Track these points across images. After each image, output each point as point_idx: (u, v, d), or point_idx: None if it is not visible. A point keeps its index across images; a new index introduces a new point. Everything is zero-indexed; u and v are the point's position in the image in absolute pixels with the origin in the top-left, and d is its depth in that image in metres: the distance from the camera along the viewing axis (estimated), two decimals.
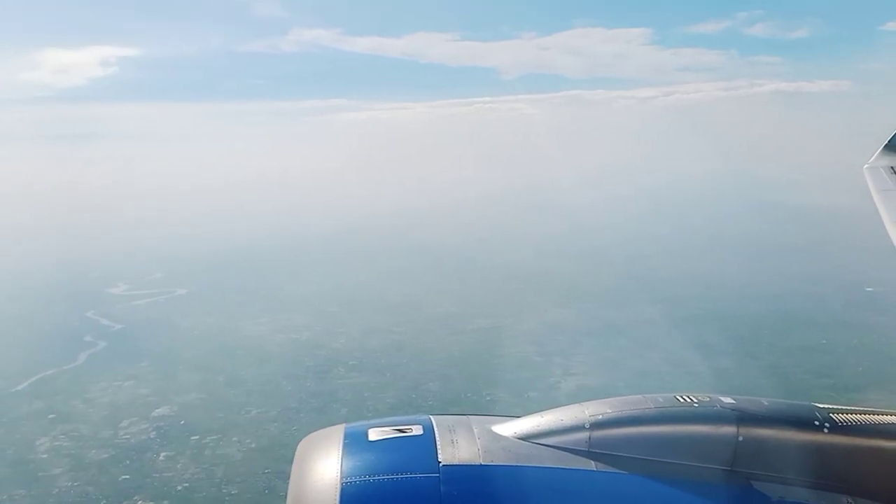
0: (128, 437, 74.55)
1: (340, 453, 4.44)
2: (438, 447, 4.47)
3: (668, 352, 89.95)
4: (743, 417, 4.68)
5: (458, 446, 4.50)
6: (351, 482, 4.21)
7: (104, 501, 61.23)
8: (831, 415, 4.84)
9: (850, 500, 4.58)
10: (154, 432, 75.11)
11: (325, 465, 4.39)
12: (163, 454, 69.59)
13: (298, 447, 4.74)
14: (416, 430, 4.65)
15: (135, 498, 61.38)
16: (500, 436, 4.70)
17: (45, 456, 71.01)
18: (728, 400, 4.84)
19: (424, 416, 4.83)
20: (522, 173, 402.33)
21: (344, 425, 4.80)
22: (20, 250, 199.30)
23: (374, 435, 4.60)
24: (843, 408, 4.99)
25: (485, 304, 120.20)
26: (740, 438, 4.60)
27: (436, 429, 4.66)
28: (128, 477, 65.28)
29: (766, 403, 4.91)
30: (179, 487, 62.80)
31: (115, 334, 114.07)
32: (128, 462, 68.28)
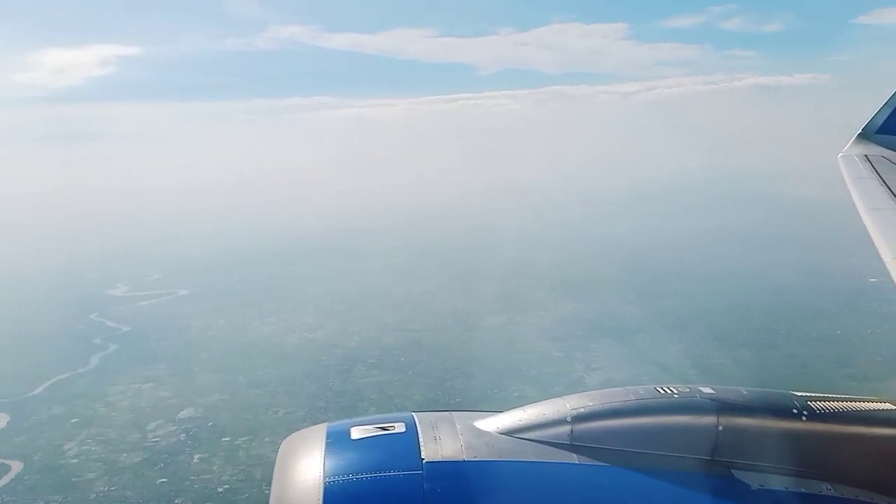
0: (157, 439, 74.00)
1: (323, 452, 4.42)
2: (421, 444, 4.47)
3: (687, 344, 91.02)
4: (722, 407, 4.73)
5: (440, 443, 4.50)
6: (334, 481, 4.21)
7: None
8: (809, 402, 4.92)
9: (829, 487, 4.65)
10: (183, 434, 74.65)
11: (308, 464, 4.37)
12: (196, 456, 69.19)
13: (281, 447, 4.71)
14: (399, 428, 4.64)
15: (176, 501, 61.04)
16: (482, 431, 4.71)
17: (74, 461, 70.33)
18: (707, 390, 4.89)
19: (407, 414, 4.83)
20: (513, 169, 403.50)
21: (326, 424, 4.79)
22: (14, 253, 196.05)
23: (356, 433, 4.60)
24: (822, 395, 5.07)
25: (495, 301, 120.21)
26: (720, 428, 4.65)
27: (418, 426, 4.66)
28: (165, 480, 64.83)
29: (745, 393, 4.97)
30: (220, 490, 62.50)
31: (123, 336, 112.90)
32: (162, 465, 67.82)
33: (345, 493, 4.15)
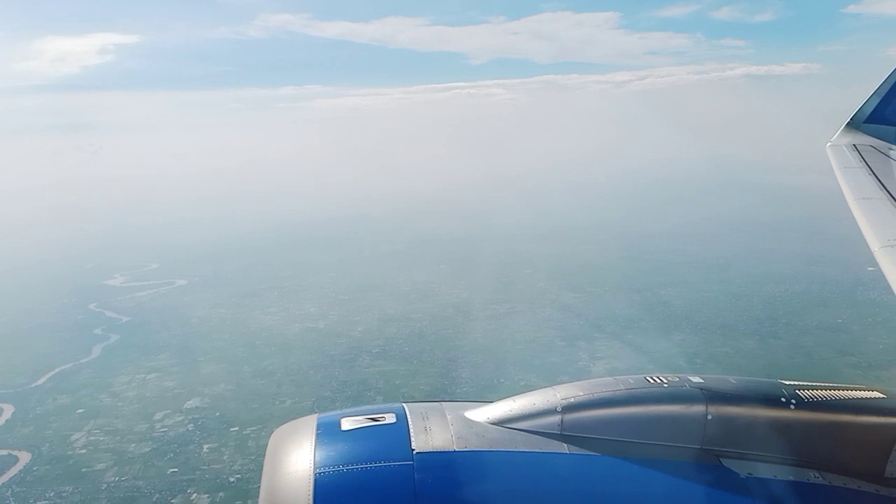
0: (165, 429, 73.94)
1: (313, 444, 4.41)
2: (412, 435, 4.48)
3: (689, 333, 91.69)
4: (711, 396, 4.77)
5: (431, 433, 4.52)
6: (324, 472, 4.21)
7: (157, 496, 60.75)
8: (798, 391, 4.98)
9: (817, 475, 4.71)
10: (191, 424, 74.58)
11: (299, 455, 4.36)
12: (206, 446, 69.22)
13: (271, 438, 4.72)
14: (390, 419, 4.65)
15: (189, 491, 61.06)
16: (473, 421, 4.73)
17: (83, 451, 70.24)
18: (697, 379, 4.94)
19: (397, 404, 4.86)
20: (507, 159, 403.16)
21: (316, 415, 4.78)
22: (9, 243, 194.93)
23: (347, 424, 4.60)
24: (810, 384, 5.14)
25: (495, 290, 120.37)
26: (709, 417, 4.71)
27: (409, 416, 4.66)
28: (176, 470, 64.84)
29: (733, 382, 5.02)
30: (232, 479, 62.55)
31: (124, 327, 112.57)
32: (171, 455, 67.79)
33: (335, 485, 4.17)
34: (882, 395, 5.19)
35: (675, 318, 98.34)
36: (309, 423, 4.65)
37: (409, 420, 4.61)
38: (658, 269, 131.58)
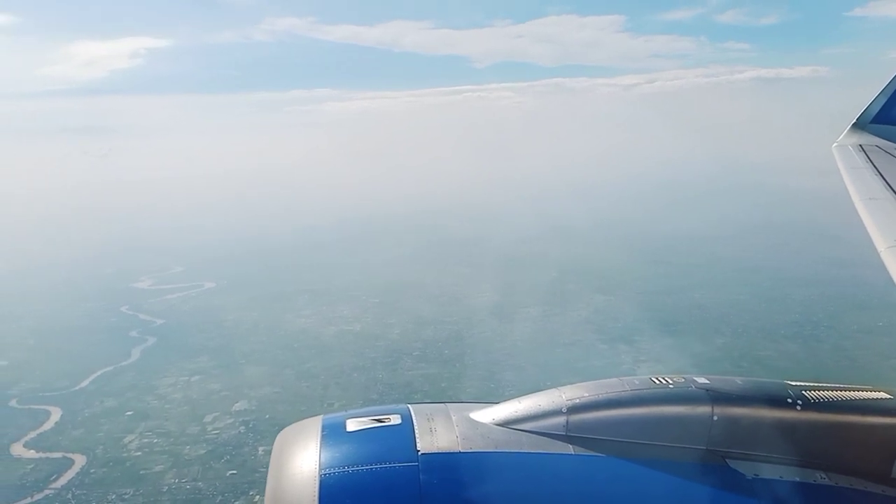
0: (217, 432, 74.41)
1: (319, 445, 4.42)
2: (417, 436, 4.47)
3: (730, 336, 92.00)
4: (717, 397, 4.75)
5: (436, 434, 4.51)
6: (330, 473, 4.23)
7: (220, 498, 61.23)
8: (804, 392, 4.96)
9: (823, 476, 4.69)
10: (242, 427, 75.00)
11: (304, 457, 4.37)
12: (261, 448, 69.27)
13: (276, 440, 4.70)
14: (395, 420, 4.64)
15: (251, 493, 61.50)
16: (478, 423, 4.72)
17: (138, 454, 70.69)
18: (702, 380, 4.91)
19: (402, 406, 4.84)
20: (518, 161, 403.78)
21: (321, 417, 4.78)
22: (32, 245, 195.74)
23: (352, 425, 4.61)
24: (816, 384, 5.11)
25: (526, 293, 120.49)
26: (715, 418, 4.68)
27: (414, 417, 4.66)
28: (234, 472, 65.31)
29: (739, 382, 4.99)
30: None
31: (159, 329, 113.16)
32: (227, 458, 68.23)
33: (341, 486, 4.20)
34: (889, 396, 5.23)
35: (712, 321, 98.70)
36: (314, 425, 4.68)
37: (415, 421, 4.61)
38: (681, 271, 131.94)
